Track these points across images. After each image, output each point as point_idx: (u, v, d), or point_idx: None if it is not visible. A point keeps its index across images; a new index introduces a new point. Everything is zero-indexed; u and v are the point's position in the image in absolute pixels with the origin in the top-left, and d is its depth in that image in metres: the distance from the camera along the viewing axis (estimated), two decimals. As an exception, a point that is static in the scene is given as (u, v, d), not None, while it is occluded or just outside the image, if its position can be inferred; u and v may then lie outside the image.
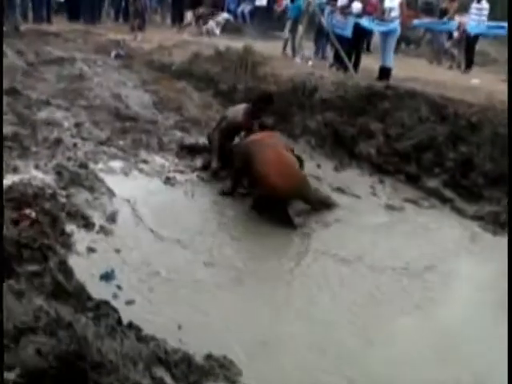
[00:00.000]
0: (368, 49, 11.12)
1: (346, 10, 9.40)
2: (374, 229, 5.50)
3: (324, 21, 9.79)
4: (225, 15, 13.91)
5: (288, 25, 10.75)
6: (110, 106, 8.24)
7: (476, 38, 11.01)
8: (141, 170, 6.31)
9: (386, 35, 9.00)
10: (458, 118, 7.28)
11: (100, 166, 6.20)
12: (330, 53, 11.03)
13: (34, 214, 4.33)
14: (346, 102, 8.00)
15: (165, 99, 9.00)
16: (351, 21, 9.31)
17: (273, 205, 5.42)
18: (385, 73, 9.12)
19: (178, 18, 14.20)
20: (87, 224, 4.82)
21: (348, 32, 9.38)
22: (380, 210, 6.11)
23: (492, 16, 11.47)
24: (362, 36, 9.74)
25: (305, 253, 4.90)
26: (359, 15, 9.37)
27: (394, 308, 4.24)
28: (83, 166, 5.96)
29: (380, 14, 9.02)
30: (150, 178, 6.14)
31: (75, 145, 6.54)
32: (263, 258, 4.74)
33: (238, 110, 6.45)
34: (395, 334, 3.93)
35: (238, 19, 14.60)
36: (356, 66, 9.61)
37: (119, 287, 3.97)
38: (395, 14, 8.80)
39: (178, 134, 7.61)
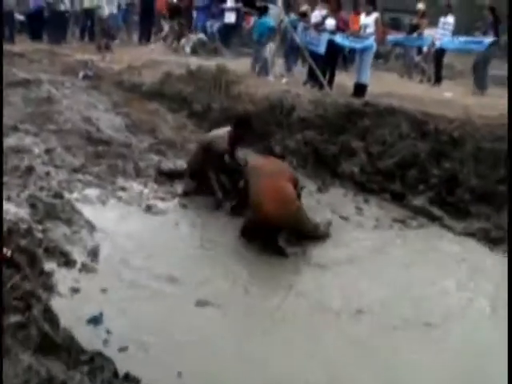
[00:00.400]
0: (345, 65, 10.97)
1: (319, 27, 9.29)
2: (367, 254, 5.31)
3: (297, 38, 9.67)
4: (200, 35, 13.71)
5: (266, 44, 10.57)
6: (81, 130, 7.91)
7: (443, 51, 11.11)
8: (119, 199, 6.00)
9: (361, 52, 8.93)
10: (439, 133, 7.22)
11: (76, 195, 5.88)
12: (301, 69, 10.94)
13: (9, 253, 3.99)
14: (325, 120, 7.88)
15: (137, 121, 8.71)
16: (325, 37, 9.22)
17: (263, 233, 5.19)
18: (360, 89, 9.05)
19: (145, 36, 13.90)
20: (68, 261, 4.49)
21: (322, 49, 9.30)
22: (369, 232, 5.94)
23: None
24: (335, 53, 9.66)
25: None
26: (333, 32, 9.29)
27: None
28: (58, 195, 5.62)
29: (355, 30, 8.95)
30: (129, 207, 5.83)
31: (48, 173, 6.20)
32: (260, 294, 4.46)
33: (222, 138, 6.20)
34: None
35: (207, 36, 14.40)
36: (330, 82, 9.52)
37: (109, 332, 3.66)
38: (370, 30, 8.75)
39: (155, 157, 7.32)
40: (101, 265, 4.54)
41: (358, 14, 9.95)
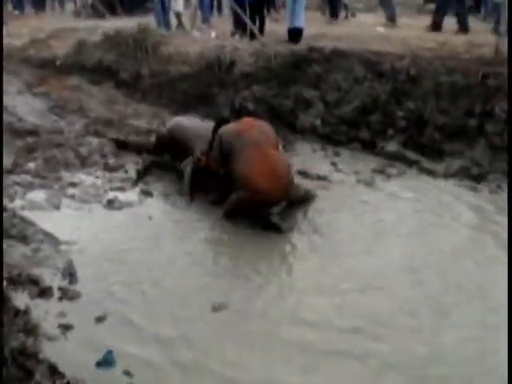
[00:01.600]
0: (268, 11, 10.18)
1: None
2: (368, 212, 4.87)
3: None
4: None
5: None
6: (0, 122, 6.78)
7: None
8: (72, 197, 5.13)
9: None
10: (395, 73, 6.81)
11: (19, 202, 4.96)
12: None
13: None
14: (271, 73, 7.23)
15: (60, 101, 7.65)
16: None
17: (253, 210, 4.59)
18: (296, 34, 8.40)
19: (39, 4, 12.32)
20: (42, 290, 3.70)
21: (248, -6, 8.48)
22: (356, 187, 5.49)
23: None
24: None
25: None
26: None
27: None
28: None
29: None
30: (88, 206, 4.99)
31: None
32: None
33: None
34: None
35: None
36: (261, 31, 8.78)
37: (128, 373, 2.99)
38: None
39: (94, 140, 6.40)
40: (83, 286, 3.78)
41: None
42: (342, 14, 10.84)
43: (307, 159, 6.10)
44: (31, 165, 5.74)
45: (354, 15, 10.90)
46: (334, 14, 10.59)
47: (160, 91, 7.63)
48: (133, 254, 4.19)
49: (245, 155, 4.47)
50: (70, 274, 3.90)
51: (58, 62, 8.61)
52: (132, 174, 5.68)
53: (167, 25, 9.14)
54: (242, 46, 7.76)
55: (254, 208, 4.54)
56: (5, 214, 4.58)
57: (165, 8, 9.16)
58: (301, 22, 8.39)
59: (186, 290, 3.75)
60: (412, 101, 6.53)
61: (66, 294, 3.68)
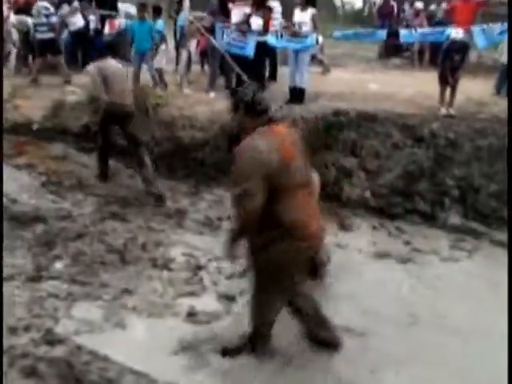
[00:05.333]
0: (274, 76, 9.37)
1: (243, 27, 7.70)
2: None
3: (213, 40, 7.97)
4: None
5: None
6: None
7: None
8: (134, 310, 3.97)
9: (297, 52, 7.61)
10: (434, 137, 6.36)
11: (69, 323, 3.74)
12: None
13: None
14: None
15: (52, 175, 6.34)
16: (252, 38, 7.66)
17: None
18: (298, 94, 7.77)
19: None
20: None
21: (249, 51, 7.71)
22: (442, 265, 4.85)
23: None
24: (265, 55, 8.17)
25: None
26: (260, 32, 7.80)
27: None
28: (52, 340, 3.47)
29: (289, 29, 7.58)
30: (162, 321, 3.87)
31: None
32: None
33: None
34: None
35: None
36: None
37: None
38: (307, 28, 7.46)
39: (119, 226, 5.26)
40: None
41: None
42: (319, 69, 10.40)
43: (375, 239, 5.36)
44: (58, 266, 4.50)
45: (328, 70, 10.50)
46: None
47: (171, 161, 6.59)
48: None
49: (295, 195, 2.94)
50: None
51: (34, 127, 7.24)
52: (186, 267, 4.62)
53: (154, 78, 8.13)
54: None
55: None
56: (64, 349, 3.40)
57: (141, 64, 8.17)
58: (304, 81, 7.77)
59: None
60: (456, 166, 6.12)
61: None
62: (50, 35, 9.33)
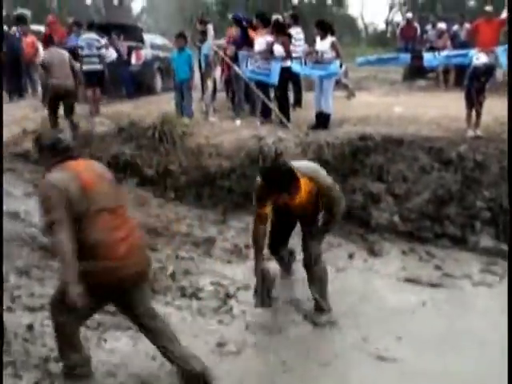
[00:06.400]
0: (299, 103, 9.33)
1: (267, 55, 7.80)
2: None
3: (237, 68, 8.09)
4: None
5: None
6: (20, 235, 5.52)
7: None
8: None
9: (322, 78, 7.66)
10: (462, 159, 6.30)
11: (101, 356, 3.75)
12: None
13: None
14: (326, 165, 6.45)
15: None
16: (277, 65, 7.74)
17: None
18: (323, 119, 7.79)
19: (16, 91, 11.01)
20: None
21: (274, 78, 7.79)
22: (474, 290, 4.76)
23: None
24: (289, 82, 8.25)
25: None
26: (282, 59, 7.88)
27: None
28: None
29: (313, 56, 7.65)
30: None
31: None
32: None
33: None
34: None
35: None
36: (286, 114, 8.10)
37: None
38: (328, 55, 7.51)
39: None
40: None
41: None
42: (343, 94, 10.44)
43: (405, 264, 5.29)
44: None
45: (354, 95, 10.53)
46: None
47: (198, 190, 6.64)
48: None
49: None
50: None
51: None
52: (215, 296, 4.62)
53: (188, 112, 8.25)
54: (284, 136, 6.99)
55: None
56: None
57: (183, 95, 8.29)
58: (329, 106, 7.80)
59: None
60: (485, 188, 6.04)
61: None
62: (100, 67, 9.59)
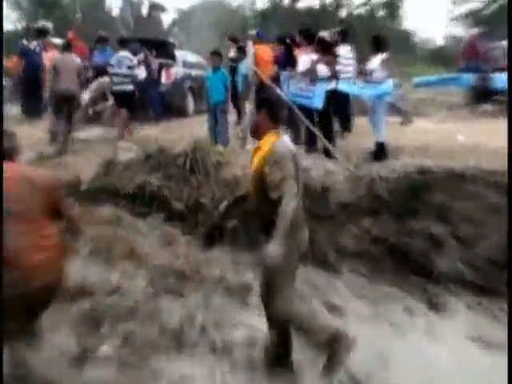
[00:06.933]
0: (348, 128, 9.39)
1: (311, 75, 7.74)
2: None
3: (279, 91, 8.04)
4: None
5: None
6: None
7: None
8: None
9: (374, 101, 7.58)
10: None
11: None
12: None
13: None
14: (380, 203, 6.34)
15: (101, 241, 6.42)
16: (321, 87, 7.67)
17: None
18: (378, 148, 7.68)
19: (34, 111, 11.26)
20: None
21: (318, 102, 7.71)
22: None
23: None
24: (335, 105, 8.16)
25: None
26: (327, 79, 7.83)
27: None
28: None
29: (362, 75, 7.60)
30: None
31: None
32: None
33: None
34: None
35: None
36: (333, 144, 8.01)
37: None
38: (377, 74, 7.44)
39: (174, 304, 5.22)
40: None
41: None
42: (398, 119, 10.31)
43: (472, 320, 5.07)
44: (106, 349, 4.47)
45: (411, 121, 10.38)
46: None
47: (233, 227, 6.55)
48: None
49: None
50: None
51: (82, 187, 7.43)
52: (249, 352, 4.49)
53: (223, 139, 8.25)
54: (332, 168, 6.88)
55: None
56: None
57: (217, 118, 8.31)
58: (381, 133, 7.69)
59: None
60: None
61: None
62: (130, 87, 9.74)
